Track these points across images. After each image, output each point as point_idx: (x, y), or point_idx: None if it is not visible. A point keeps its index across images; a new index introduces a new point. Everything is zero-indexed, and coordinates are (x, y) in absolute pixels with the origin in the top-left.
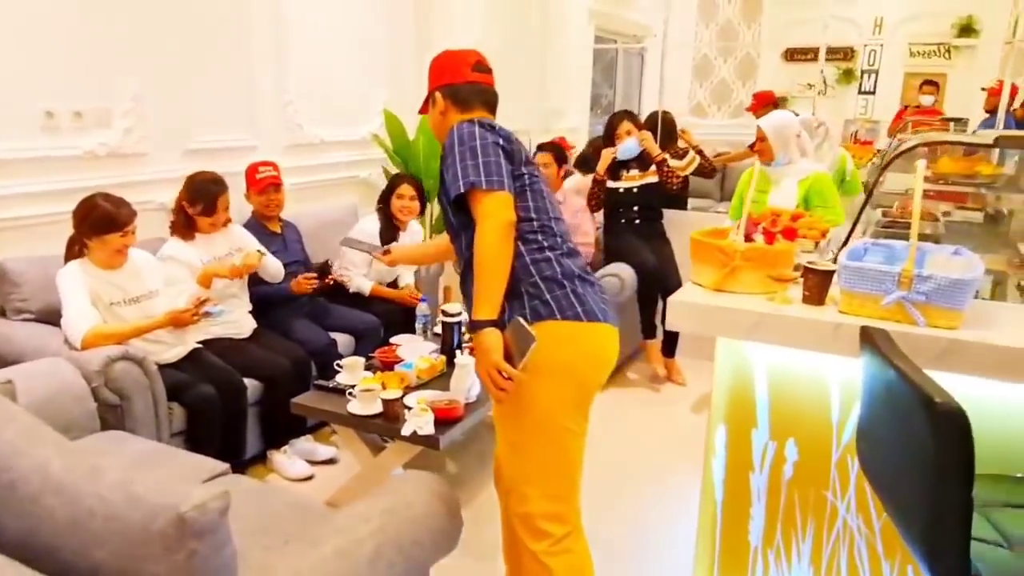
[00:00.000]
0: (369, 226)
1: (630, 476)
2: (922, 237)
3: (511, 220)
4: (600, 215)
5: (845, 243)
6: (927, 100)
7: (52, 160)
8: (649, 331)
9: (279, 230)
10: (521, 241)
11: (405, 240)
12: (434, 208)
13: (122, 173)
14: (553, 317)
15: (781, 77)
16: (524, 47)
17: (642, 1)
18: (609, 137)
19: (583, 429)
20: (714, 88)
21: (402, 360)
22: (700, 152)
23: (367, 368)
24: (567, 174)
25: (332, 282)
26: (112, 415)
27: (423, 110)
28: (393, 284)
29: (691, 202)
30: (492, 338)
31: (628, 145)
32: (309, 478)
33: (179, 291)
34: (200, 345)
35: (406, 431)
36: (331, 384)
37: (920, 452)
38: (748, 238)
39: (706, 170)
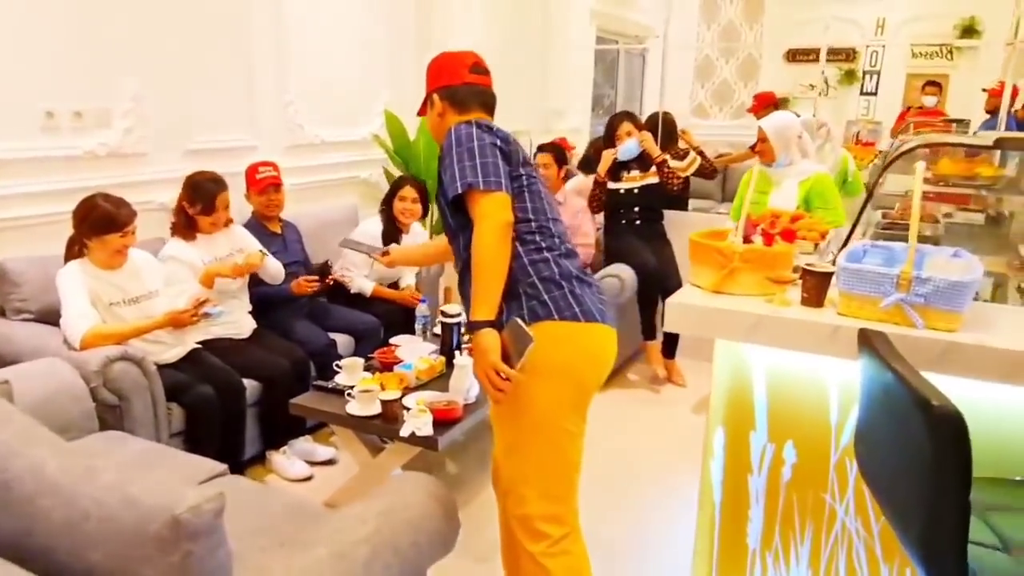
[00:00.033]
0: (372, 227)
1: (630, 477)
2: (922, 239)
3: (508, 221)
4: (600, 216)
5: (845, 245)
6: (930, 101)
7: (52, 160)
8: (649, 332)
9: (279, 230)
10: (519, 242)
11: (408, 242)
12: (436, 210)
13: (122, 173)
14: (551, 318)
15: (783, 78)
16: (525, 47)
17: (644, 2)
18: (609, 138)
19: (581, 430)
20: (716, 89)
21: (401, 361)
22: (701, 153)
23: (366, 369)
24: (568, 175)
25: (332, 282)
26: (111, 415)
27: (421, 112)
28: (394, 285)
29: (692, 203)
30: (490, 339)
31: (628, 146)
32: (308, 479)
33: (181, 291)
34: (199, 345)
35: (404, 432)
36: (330, 385)
37: (917, 455)
38: (747, 240)
39: (707, 171)
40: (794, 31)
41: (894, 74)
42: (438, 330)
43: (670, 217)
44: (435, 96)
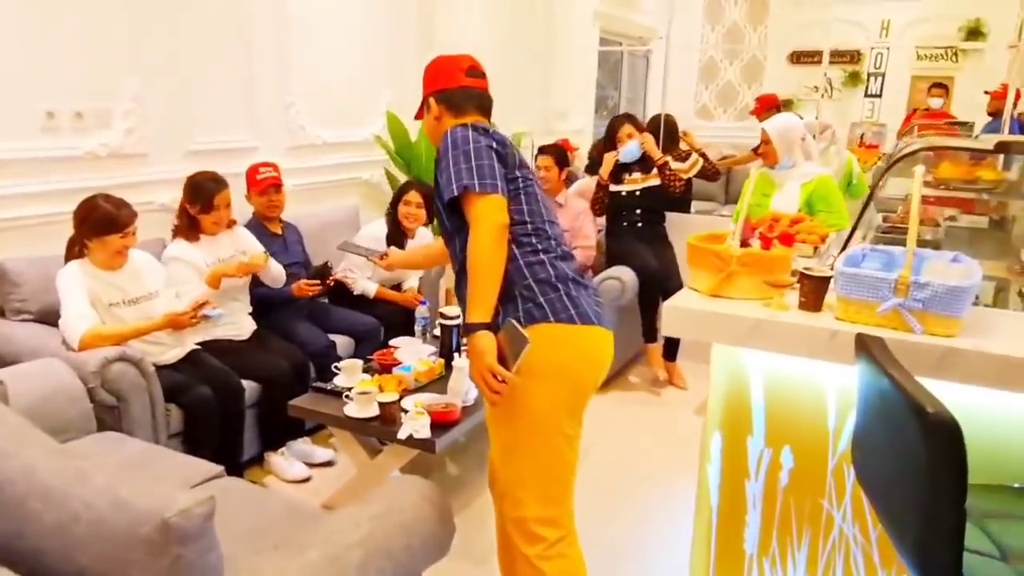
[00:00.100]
0: (376, 230)
1: (630, 480)
2: (922, 243)
3: (504, 223)
4: (602, 218)
5: (844, 248)
6: (936, 103)
7: (52, 160)
8: (650, 334)
9: (279, 231)
10: (515, 244)
11: (413, 246)
12: None
13: (123, 174)
14: (547, 320)
15: (787, 80)
16: (528, 48)
17: (647, 3)
18: (610, 140)
19: (577, 433)
20: (720, 90)
21: (400, 363)
22: (703, 155)
23: (365, 370)
24: (569, 176)
25: (332, 284)
26: (109, 416)
27: (418, 116)
28: (397, 287)
29: (695, 205)
30: (485, 341)
31: (630, 148)
32: (306, 480)
33: (186, 291)
34: (199, 346)
35: (402, 434)
36: (329, 386)
37: (913, 462)
38: (744, 243)
39: (709, 173)
40: (798, 33)
41: (899, 76)
42: (438, 332)
43: (672, 219)
44: (431, 100)
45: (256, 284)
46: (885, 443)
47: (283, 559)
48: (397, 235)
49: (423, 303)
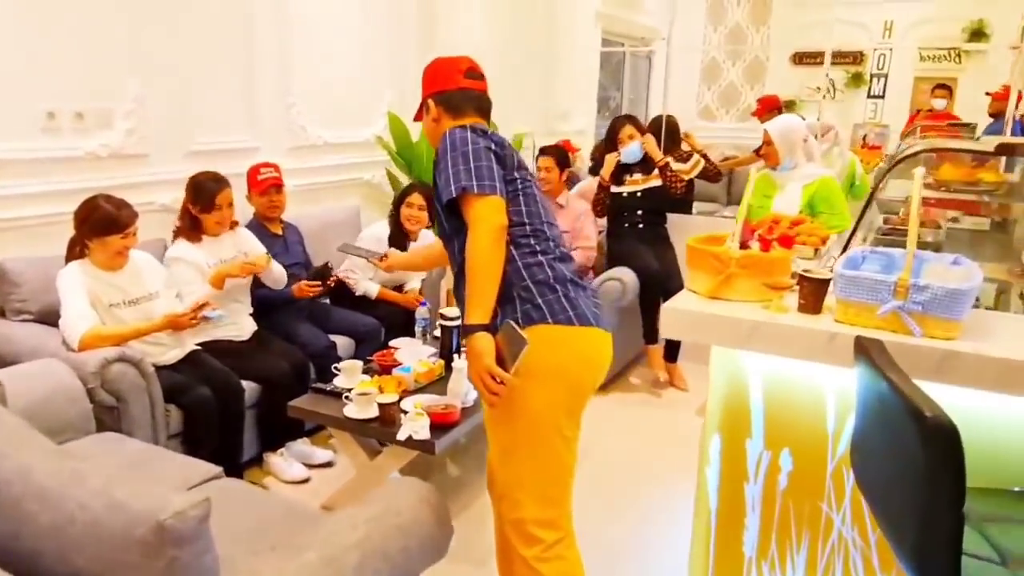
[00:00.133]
0: (379, 231)
1: (631, 480)
2: (923, 245)
3: (503, 224)
4: (603, 219)
5: (844, 250)
6: (939, 104)
7: (53, 161)
8: (651, 336)
9: (280, 232)
10: (513, 245)
11: (415, 248)
12: None
13: (124, 174)
14: (545, 321)
15: (790, 81)
16: (530, 49)
17: (649, 4)
18: (611, 142)
19: (575, 435)
20: (722, 91)
21: (400, 364)
22: (704, 156)
23: (365, 371)
24: (570, 177)
25: (332, 284)
26: (109, 417)
27: (417, 117)
28: (399, 288)
29: (697, 206)
30: (484, 342)
31: (631, 149)
32: (305, 481)
33: (189, 291)
34: (199, 347)
35: (401, 436)
36: (328, 387)
37: (911, 465)
38: (744, 245)
39: (710, 174)
40: (801, 34)
41: (902, 77)
42: (438, 333)
43: (673, 220)
44: (430, 102)
45: (257, 285)
46: (884, 447)
47: (280, 561)
48: (399, 237)
49: (423, 304)
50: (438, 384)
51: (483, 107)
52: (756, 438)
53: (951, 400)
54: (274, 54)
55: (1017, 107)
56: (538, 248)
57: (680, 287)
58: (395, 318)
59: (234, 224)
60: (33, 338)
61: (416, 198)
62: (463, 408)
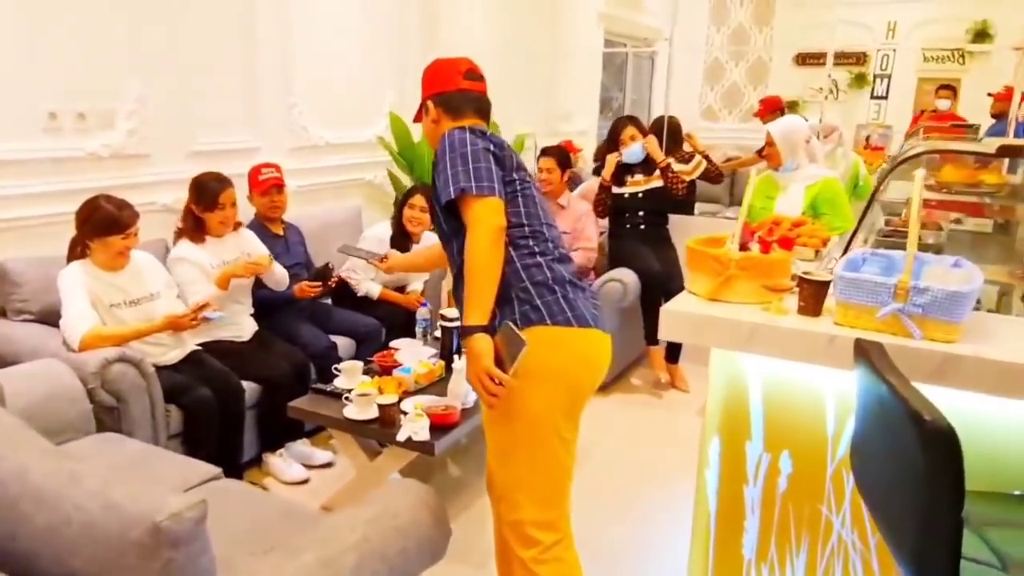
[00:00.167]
0: (381, 232)
1: (631, 481)
2: (924, 247)
3: (501, 225)
4: (605, 220)
5: (845, 252)
6: (944, 104)
7: (55, 161)
8: (652, 337)
9: (281, 232)
10: (512, 247)
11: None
12: None
13: (125, 174)
14: (543, 322)
15: (793, 82)
16: (532, 49)
17: (652, 5)
18: (613, 142)
19: (574, 436)
20: (725, 92)
21: (400, 365)
22: (706, 157)
23: (366, 372)
24: (572, 178)
25: (333, 285)
26: (109, 417)
27: (417, 118)
28: (401, 289)
29: (699, 206)
30: (482, 343)
31: (633, 150)
32: (304, 482)
33: (194, 291)
34: (200, 347)
35: (401, 437)
36: (329, 388)
37: (911, 469)
38: (744, 247)
39: (712, 175)
40: (804, 34)
41: (905, 78)
42: (439, 334)
43: (675, 221)
44: (429, 103)
45: (258, 286)
46: (883, 450)
47: (278, 562)
48: (401, 238)
49: (424, 305)
50: (438, 385)
51: (482, 108)
52: (756, 440)
53: (951, 403)
54: (276, 54)
55: (1020, 108)
56: (537, 249)
57: (681, 288)
58: (396, 319)
59: (237, 225)
60: (34, 338)
61: (418, 199)
62: (463, 409)
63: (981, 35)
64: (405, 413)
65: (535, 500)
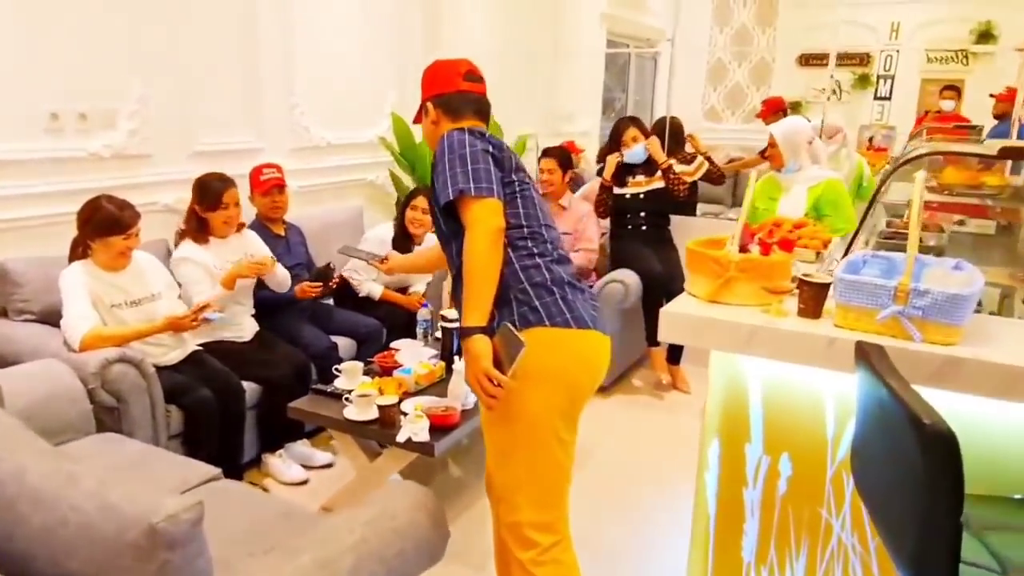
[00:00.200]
0: (383, 233)
1: (632, 483)
2: (926, 249)
3: (500, 226)
4: (607, 221)
5: (846, 254)
6: (948, 105)
7: (56, 161)
8: (654, 338)
9: (283, 232)
10: (511, 248)
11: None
12: None
13: (127, 175)
14: (542, 323)
15: (796, 82)
16: (534, 50)
17: (655, 5)
18: (615, 143)
19: (572, 438)
20: (728, 92)
21: (401, 365)
22: (708, 158)
23: (366, 373)
24: (574, 179)
25: (334, 286)
26: (109, 417)
27: (416, 120)
28: (404, 291)
29: (701, 207)
30: (481, 345)
31: (635, 151)
32: (304, 482)
33: (198, 291)
34: (200, 347)
35: (401, 438)
36: (329, 389)
37: (910, 473)
38: (744, 249)
39: (714, 176)
40: (807, 35)
41: (909, 79)
42: (440, 335)
43: (677, 222)
44: (429, 104)
45: (259, 287)
46: (883, 453)
47: (275, 563)
48: (403, 240)
49: (425, 305)
50: (439, 386)
51: (482, 110)
52: (755, 443)
53: (952, 406)
54: (277, 55)
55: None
56: (535, 250)
57: (683, 289)
58: (397, 319)
59: (241, 226)
60: (34, 338)
61: (421, 201)
62: (463, 410)
63: (985, 36)
64: (405, 414)
65: (533, 502)
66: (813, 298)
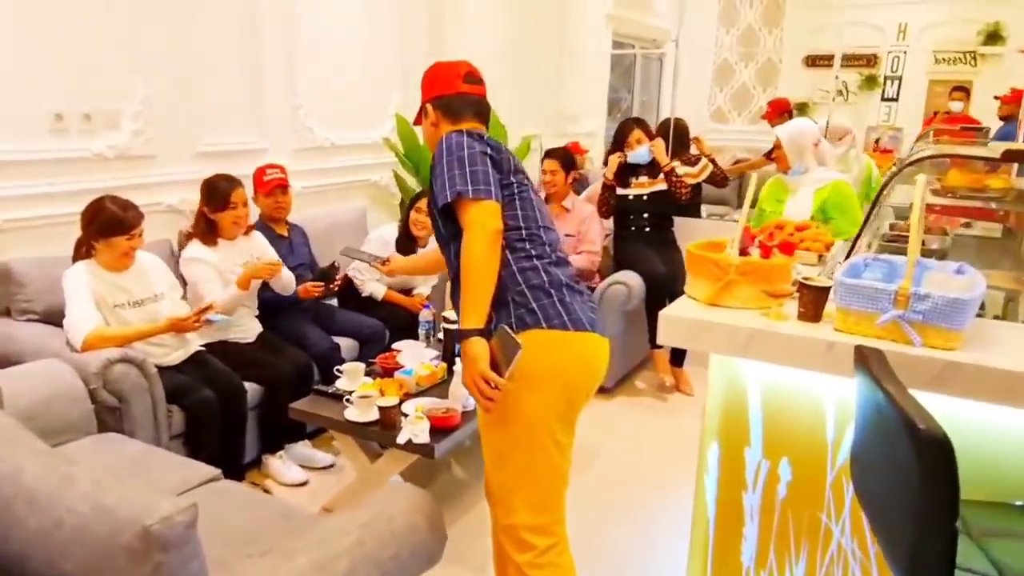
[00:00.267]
0: (387, 234)
1: (634, 485)
2: (929, 252)
3: (498, 229)
4: (610, 222)
5: (848, 256)
6: (957, 107)
7: (60, 162)
8: (657, 340)
9: (286, 233)
10: (509, 250)
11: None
12: None
13: (130, 175)
14: (539, 326)
15: (802, 83)
16: (540, 51)
17: (660, 6)
18: (619, 145)
19: (569, 441)
20: (735, 93)
21: (402, 367)
22: (712, 160)
23: (368, 374)
24: (577, 180)
25: (337, 287)
26: (111, 417)
27: (417, 122)
28: (408, 292)
29: (707, 208)
30: (478, 347)
31: (639, 152)
32: (304, 484)
33: (209, 289)
34: (203, 348)
35: (401, 439)
36: (330, 390)
37: (906, 479)
38: (744, 252)
39: (717, 179)
40: (814, 36)
41: (916, 80)
42: (442, 336)
43: (681, 223)
44: (428, 106)
45: (263, 289)
46: (881, 459)
47: (272, 564)
48: (407, 242)
49: (427, 307)
50: (440, 387)
51: (482, 112)
52: (755, 447)
53: (954, 411)
54: (281, 55)
55: None
56: (533, 252)
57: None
58: (399, 320)
59: (250, 228)
60: (37, 338)
61: (425, 204)
62: (464, 412)
63: (993, 37)
64: (406, 415)
65: (530, 504)
66: (813, 302)
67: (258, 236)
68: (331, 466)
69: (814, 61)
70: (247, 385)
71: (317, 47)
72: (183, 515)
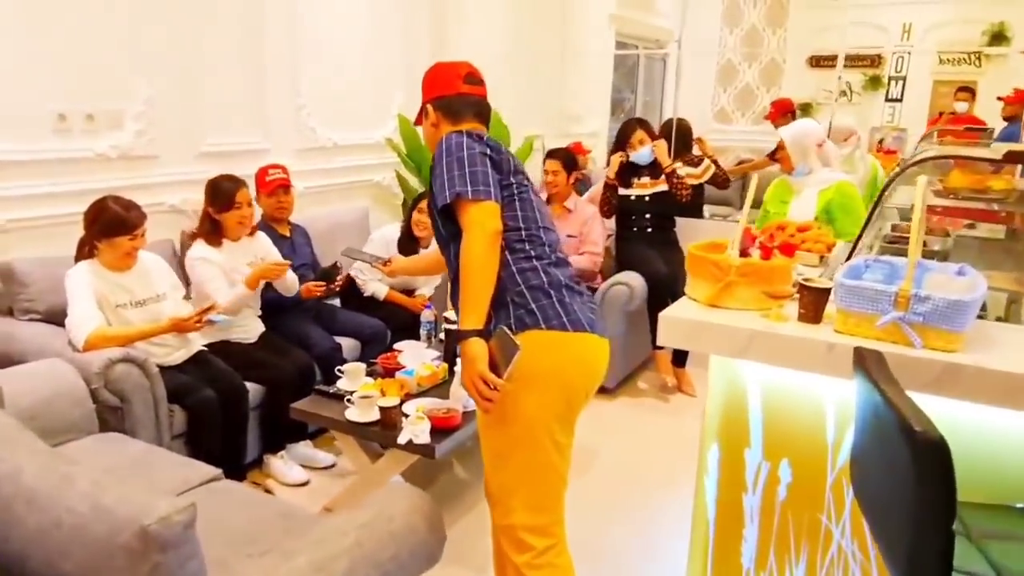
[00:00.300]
0: (389, 233)
1: (636, 485)
2: (930, 254)
3: (497, 229)
4: (612, 222)
5: (849, 258)
6: (962, 107)
7: (63, 162)
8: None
9: (288, 233)
10: (508, 250)
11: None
12: None
13: (133, 175)
14: (538, 326)
15: (806, 83)
16: (543, 51)
17: (664, 6)
18: (621, 145)
19: (569, 442)
20: (738, 93)
21: (404, 367)
22: (715, 162)
23: (369, 374)
24: (579, 180)
25: (338, 287)
26: (112, 417)
27: (417, 122)
28: (410, 293)
29: (710, 209)
30: (477, 348)
31: (642, 153)
32: (305, 483)
33: (214, 288)
34: (205, 348)
35: (402, 439)
36: (331, 390)
37: (904, 481)
38: (744, 253)
39: (720, 180)
40: (817, 36)
41: (920, 80)
42: (443, 336)
43: (684, 224)
44: (429, 107)
45: (266, 289)
46: (880, 461)
47: (271, 565)
48: (409, 243)
49: (428, 307)
50: (441, 388)
51: (482, 112)
52: (755, 448)
53: (954, 413)
54: (284, 55)
55: None
56: (533, 253)
57: None
58: (401, 320)
59: (254, 229)
60: (39, 337)
61: (427, 204)
62: (465, 412)
63: (998, 37)
64: (407, 415)
65: (528, 505)
66: (813, 303)
67: (262, 236)
68: (332, 466)
69: (818, 61)
70: (249, 385)
71: (319, 47)
72: (181, 515)
